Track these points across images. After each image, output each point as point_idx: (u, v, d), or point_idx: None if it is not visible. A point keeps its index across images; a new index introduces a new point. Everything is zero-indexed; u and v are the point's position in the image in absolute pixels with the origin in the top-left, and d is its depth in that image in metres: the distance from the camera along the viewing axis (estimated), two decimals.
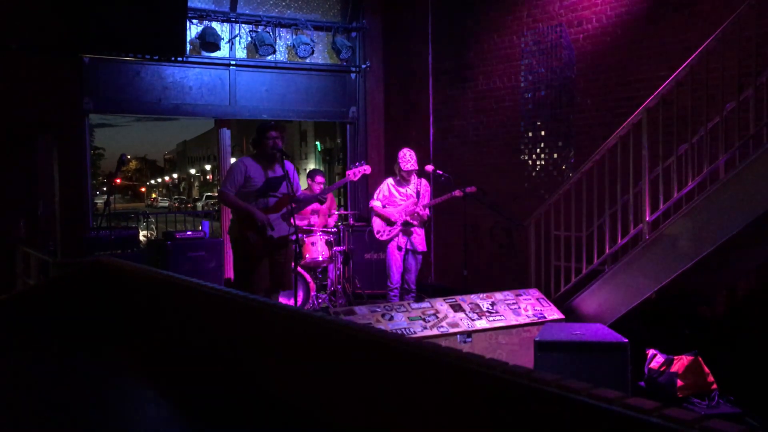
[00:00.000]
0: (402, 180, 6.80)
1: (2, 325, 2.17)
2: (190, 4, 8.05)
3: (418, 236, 6.77)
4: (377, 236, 6.80)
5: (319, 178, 7.83)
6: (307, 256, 7.28)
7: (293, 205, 5.46)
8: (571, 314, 5.73)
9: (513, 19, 7.84)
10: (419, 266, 6.80)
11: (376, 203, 6.87)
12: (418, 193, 6.75)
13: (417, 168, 6.76)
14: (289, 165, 5.48)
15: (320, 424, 1.30)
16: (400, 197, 6.78)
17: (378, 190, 6.96)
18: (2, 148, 7.33)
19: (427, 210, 6.74)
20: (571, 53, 7.13)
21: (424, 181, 6.88)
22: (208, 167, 55.55)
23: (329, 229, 7.58)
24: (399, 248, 6.72)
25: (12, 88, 7.47)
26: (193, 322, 1.93)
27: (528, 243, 6.48)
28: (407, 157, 6.71)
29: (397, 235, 6.69)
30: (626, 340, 4.57)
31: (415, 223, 6.70)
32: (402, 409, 1.13)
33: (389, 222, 6.75)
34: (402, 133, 9.49)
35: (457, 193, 6.56)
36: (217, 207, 12.52)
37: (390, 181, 6.89)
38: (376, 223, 6.84)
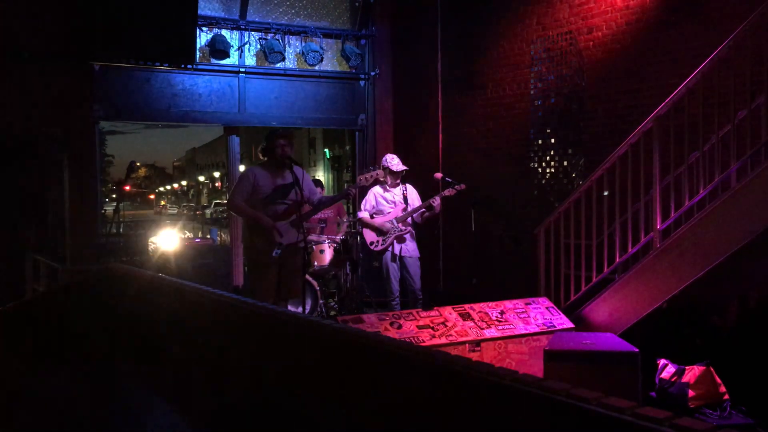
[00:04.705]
0: (389, 186, 6.79)
1: (13, 330, 2.17)
2: (200, 11, 8.09)
3: (411, 242, 6.76)
4: (371, 247, 6.79)
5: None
6: (315, 263, 7.27)
7: (303, 211, 5.46)
8: (581, 323, 5.69)
9: (523, 27, 7.83)
10: (419, 272, 6.77)
11: (364, 214, 6.85)
12: (405, 198, 6.75)
13: (407, 168, 6.78)
14: (298, 169, 5.49)
15: (325, 429, 1.29)
16: (388, 205, 6.77)
17: (364, 201, 6.94)
18: (12, 155, 7.37)
19: (418, 216, 6.72)
20: (581, 61, 7.11)
21: (409, 186, 6.88)
22: (216, 174, 55.69)
23: (338, 237, 7.57)
24: (393, 257, 6.70)
25: (22, 96, 7.52)
26: (201, 329, 1.92)
27: (538, 251, 6.45)
28: (396, 159, 6.73)
29: (391, 244, 6.68)
30: (637, 350, 4.53)
31: (407, 229, 6.69)
32: (411, 416, 1.12)
33: (381, 232, 6.73)
34: (411, 140, 9.49)
35: (447, 192, 6.56)
36: (226, 214, 12.53)
37: (376, 189, 6.87)
38: (368, 234, 6.82)
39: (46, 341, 2.13)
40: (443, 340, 5.00)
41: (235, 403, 1.54)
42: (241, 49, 8.78)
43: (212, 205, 40.98)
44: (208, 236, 9.35)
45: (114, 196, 33.79)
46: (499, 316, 5.40)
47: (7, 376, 1.90)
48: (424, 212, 6.70)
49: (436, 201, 6.61)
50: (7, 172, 7.36)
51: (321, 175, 30.87)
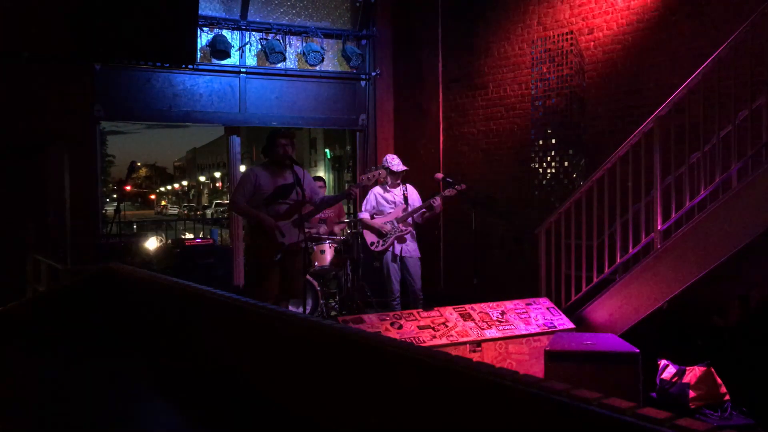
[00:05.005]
0: (389, 186, 6.82)
1: (13, 330, 2.17)
2: (200, 12, 8.10)
3: (412, 242, 6.78)
4: (372, 248, 6.81)
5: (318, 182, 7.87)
6: (316, 263, 7.27)
7: (305, 211, 5.46)
8: (582, 324, 5.69)
9: (524, 27, 7.83)
10: (420, 272, 6.80)
11: (364, 215, 6.88)
12: (405, 198, 6.78)
13: (407, 168, 6.82)
14: (299, 169, 5.50)
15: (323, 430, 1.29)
16: (389, 205, 6.79)
17: (365, 201, 6.98)
18: (14, 155, 7.37)
19: (418, 217, 6.77)
20: (582, 61, 7.11)
21: (410, 186, 6.90)
22: (217, 175, 55.73)
23: (338, 237, 7.57)
24: (394, 257, 6.72)
25: (24, 96, 7.52)
26: (202, 329, 1.92)
27: (538, 252, 6.45)
28: (396, 160, 6.77)
29: (392, 244, 6.70)
30: (637, 351, 4.53)
31: (407, 229, 6.71)
32: (409, 417, 1.12)
33: (381, 232, 6.75)
34: (412, 140, 9.49)
35: (448, 192, 6.57)
36: (227, 215, 12.51)
37: (377, 190, 6.90)
38: (369, 234, 6.84)
39: (47, 341, 2.13)
40: (444, 341, 4.99)
41: (237, 404, 1.54)
42: (242, 49, 8.78)
43: (213, 206, 40.99)
44: (209, 236, 9.35)
45: (115, 196, 33.79)
46: (500, 316, 5.40)
47: (6, 376, 1.90)
48: (424, 212, 6.71)
49: (437, 201, 6.62)
50: (8, 172, 7.37)
51: (322, 175, 30.88)
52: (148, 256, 7.40)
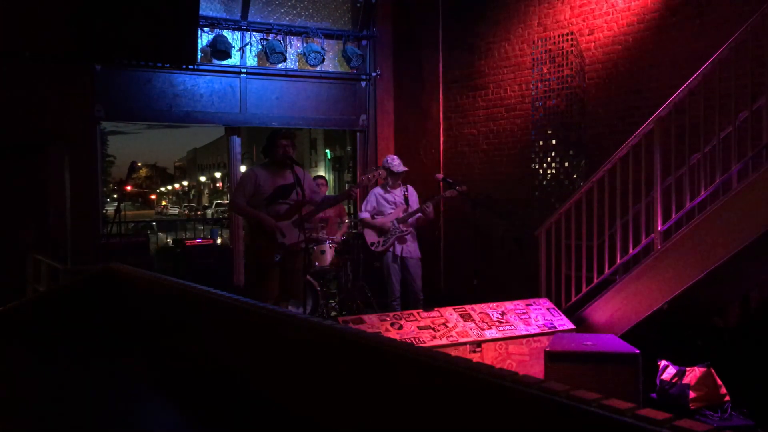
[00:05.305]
0: (390, 187, 6.83)
1: (13, 330, 2.17)
2: (201, 12, 8.10)
3: (412, 243, 6.79)
4: (372, 248, 6.82)
5: (319, 180, 7.87)
6: (316, 263, 7.27)
7: (305, 212, 5.47)
8: (582, 324, 5.69)
9: (524, 28, 7.83)
10: (420, 272, 6.81)
11: (365, 215, 6.89)
12: (406, 199, 6.79)
13: (408, 169, 6.84)
14: (299, 169, 5.51)
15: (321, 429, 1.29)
16: (389, 206, 6.80)
17: (365, 202, 6.98)
18: (14, 155, 7.37)
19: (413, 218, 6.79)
20: (583, 62, 7.11)
21: (410, 187, 6.92)
22: (218, 175, 55.71)
23: (338, 237, 7.57)
24: (394, 258, 6.72)
25: (24, 96, 7.53)
26: (202, 329, 1.92)
27: (539, 252, 6.45)
28: (396, 160, 6.78)
29: (392, 245, 6.70)
30: (638, 351, 4.53)
31: (407, 230, 6.72)
32: (409, 417, 1.12)
33: (382, 232, 6.75)
34: (412, 141, 9.49)
35: (448, 193, 6.60)
36: (227, 215, 12.51)
37: (377, 190, 6.92)
38: (369, 235, 6.84)
39: (47, 341, 2.13)
40: (444, 341, 4.99)
41: (237, 404, 1.54)
42: (242, 49, 8.78)
43: (213, 206, 41.00)
44: (209, 236, 9.37)
45: (115, 196, 33.78)
46: (500, 316, 5.40)
47: (7, 376, 1.90)
48: (420, 216, 6.74)
49: (429, 208, 6.64)
50: (8, 172, 7.37)
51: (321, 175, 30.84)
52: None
